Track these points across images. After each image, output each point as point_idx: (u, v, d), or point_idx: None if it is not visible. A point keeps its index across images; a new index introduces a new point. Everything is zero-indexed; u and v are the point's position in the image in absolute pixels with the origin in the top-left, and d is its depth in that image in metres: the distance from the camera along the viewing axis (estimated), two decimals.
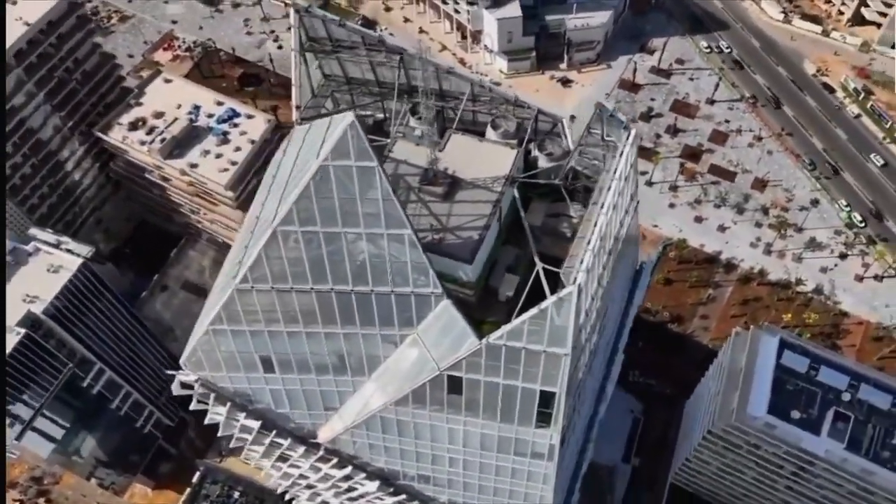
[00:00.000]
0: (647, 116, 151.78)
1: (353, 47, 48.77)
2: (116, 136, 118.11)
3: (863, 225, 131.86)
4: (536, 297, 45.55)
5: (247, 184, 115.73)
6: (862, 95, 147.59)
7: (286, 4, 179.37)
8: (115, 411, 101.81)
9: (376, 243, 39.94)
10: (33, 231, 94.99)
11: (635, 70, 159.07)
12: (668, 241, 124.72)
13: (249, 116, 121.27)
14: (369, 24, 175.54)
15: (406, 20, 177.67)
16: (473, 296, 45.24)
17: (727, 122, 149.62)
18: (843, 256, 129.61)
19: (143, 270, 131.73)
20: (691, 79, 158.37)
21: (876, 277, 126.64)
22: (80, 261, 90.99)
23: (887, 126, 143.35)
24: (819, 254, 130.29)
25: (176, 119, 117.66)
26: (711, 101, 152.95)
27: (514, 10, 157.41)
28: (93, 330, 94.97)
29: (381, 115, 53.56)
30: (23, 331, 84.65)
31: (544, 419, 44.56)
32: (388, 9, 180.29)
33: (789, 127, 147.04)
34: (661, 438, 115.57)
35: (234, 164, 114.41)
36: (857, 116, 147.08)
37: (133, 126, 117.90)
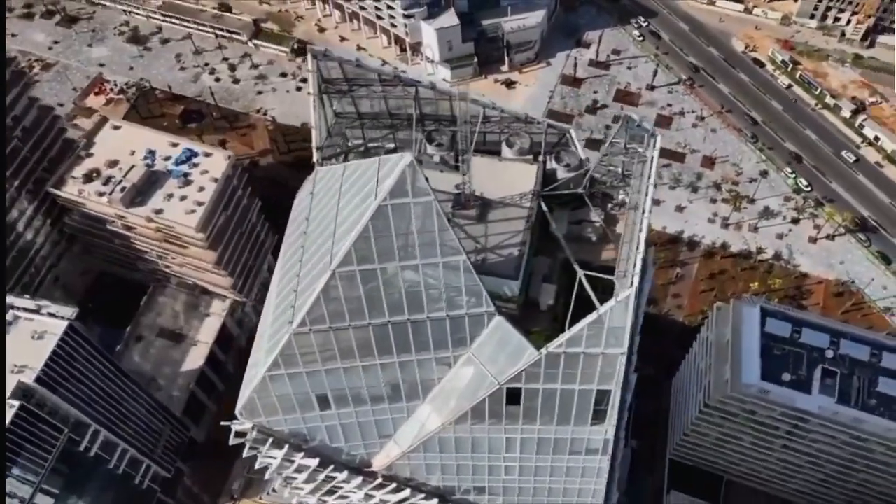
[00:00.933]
0: (593, 109, 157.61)
1: (368, 84, 50.72)
2: (71, 190, 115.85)
3: (809, 189, 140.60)
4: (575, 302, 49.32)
5: (215, 223, 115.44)
6: (790, 67, 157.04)
7: (217, 35, 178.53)
8: (111, 470, 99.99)
9: (432, 273, 42.08)
10: (10, 300, 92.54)
11: (575, 65, 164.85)
12: None
13: (207, 154, 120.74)
14: (304, 46, 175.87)
15: (342, 39, 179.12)
16: (516, 309, 47.77)
17: (669, 105, 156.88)
18: (795, 221, 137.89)
19: (110, 323, 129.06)
20: (629, 68, 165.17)
21: (828, 237, 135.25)
22: (65, 323, 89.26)
23: (817, 93, 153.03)
24: (773, 221, 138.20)
25: (133, 166, 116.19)
26: (652, 87, 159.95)
27: (450, 18, 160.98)
28: (84, 391, 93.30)
29: (391, 145, 55.58)
30: (17, 403, 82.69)
31: (599, 416, 47.57)
32: (321, 30, 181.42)
33: (728, 104, 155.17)
34: (653, 418, 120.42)
35: (200, 204, 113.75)
36: (789, 87, 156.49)
37: (88, 178, 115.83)
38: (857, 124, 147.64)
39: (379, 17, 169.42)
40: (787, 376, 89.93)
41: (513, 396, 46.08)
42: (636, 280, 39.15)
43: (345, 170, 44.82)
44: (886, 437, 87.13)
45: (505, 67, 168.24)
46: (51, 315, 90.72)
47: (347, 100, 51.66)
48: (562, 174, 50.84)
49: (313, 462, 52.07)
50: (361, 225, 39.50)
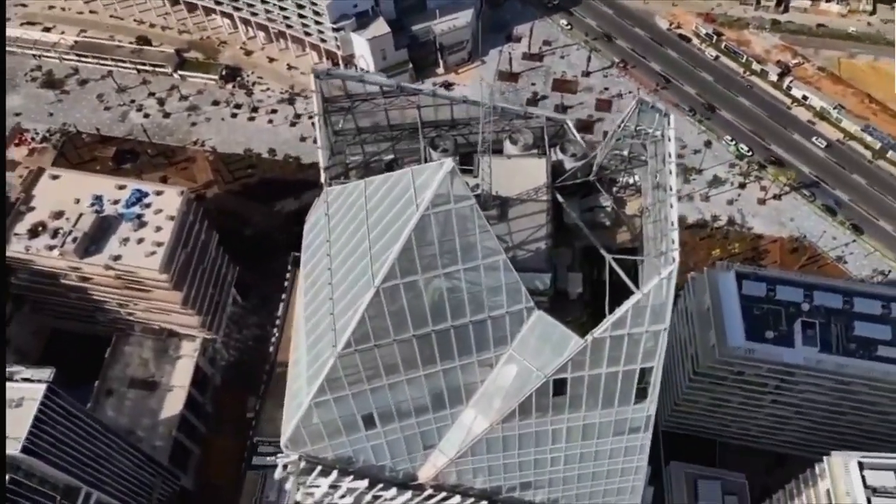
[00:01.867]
0: (534, 101, 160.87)
1: (370, 98, 50.98)
2: (17, 248, 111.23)
3: (750, 154, 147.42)
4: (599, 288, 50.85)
5: (177, 262, 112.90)
6: (715, 39, 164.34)
7: (139, 71, 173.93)
8: None
9: (473, 276, 42.79)
10: None
11: (510, 60, 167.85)
12: None
13: (159, 193, 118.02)
14: (233, 72, 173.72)
15: (271, 60, 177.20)
16: (547, 302, 48.92)
17: (606, 89, 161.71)
18: (742, 186, 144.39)
19: (73, 382, 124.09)
20: (562, 57, 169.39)
21: (775, 197, 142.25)
22: (43, 387, 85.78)
23: (744, 61, 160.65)
24: (722, 189, 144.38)
25: (81, 214, 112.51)
26: (587, 73, 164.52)
27: (381, 27, 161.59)
28: (71, 454, 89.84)
29: (389, 157, 55.95)
30: (7, 477, 79.01)
31: (642, 394, 49.23)
32: (248, 53, 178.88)
33: (662, 81, 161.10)
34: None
35: (159, 245, 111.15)
36: (716, 58, 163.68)
37: (33, 233, 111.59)
38: (784, 86, 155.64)
39: (307, 34, 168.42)
40: (770, 333, 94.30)
41: (559, 387, 47.15)
42: (677, 256, 40.90)
43: (367, 186, 44.98)
44: (868, 377, 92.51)
45: (441, 70, 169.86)
46: (26, 380, 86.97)
47: (347, 116, 51.75)
48: (569, 164, 52.32)
49: (363, 484, 51.94)
50: (404, 237, 39.82)
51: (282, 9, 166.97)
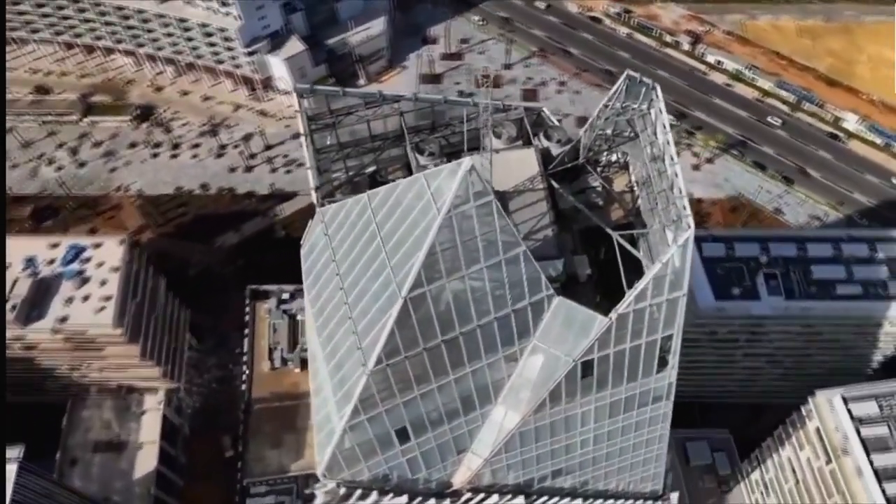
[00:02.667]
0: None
1: (353, 111, 50.66)
2: None
3: (678, 123, 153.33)
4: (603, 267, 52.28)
5: (130, 313, 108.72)
6: (625, 17, 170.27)
7: (43, 122, 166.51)
8: None
9: (496, 271, 43.21)
10: None
11: (430, 62, 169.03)
12: None
13: (97, 245, 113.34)
14: (146, 110, 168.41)
15: (184, 93, 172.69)
16: (560, 287, 49.80)
17: (530, 78, 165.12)
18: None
19: (31, 458, 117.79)
20: (481, 53, 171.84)
21: (708, 161, 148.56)
22: (15, 467, 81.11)
23: (655, 34, 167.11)
24: None
25: (16, 280, 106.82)
26: (508, 66, 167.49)
27: (296, 45, 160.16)
28: None
29: (371, 168, 55.74)
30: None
31: (663, 363, 50.83)
32: (158, 89, 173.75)
33: (582, 64, 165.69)
34: None
35: (108, 299, 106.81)
36: (629, 35, 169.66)
37: None
38: (698, 54, 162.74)
39: (219, 62, 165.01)
40: (736, 290, 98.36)
41: (586, 368, 48.12)
42: (691, 222, 42.54)
43: (371, 198, 44.75)
44: (832, 317, 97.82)
45: (362, 81, 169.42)
46: None
47: (329, 133, 51.32)
48: (556, 150, 53.47)
49: (402, 500, 51.48)
50: (428, 243, 39.88)
51: (188, 39, 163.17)
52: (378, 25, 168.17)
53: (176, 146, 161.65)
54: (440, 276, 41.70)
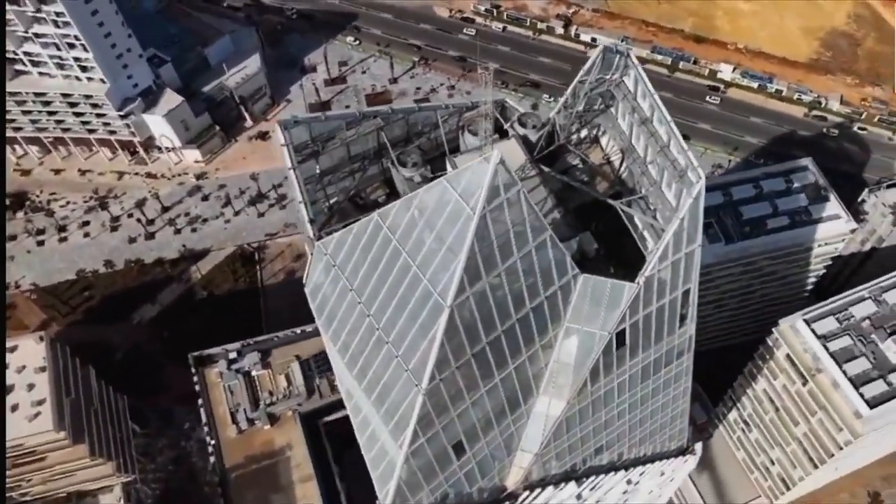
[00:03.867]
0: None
1: (333, 136, 49.65)
2: None
3: None
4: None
5: (69, 413, 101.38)
6: (495, 12, 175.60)
7: None
8: None
9: (528, 260, 43.60)
10: None
11: (315, 90, 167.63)
12: None
13: (12, 349, 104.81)
14: (18, 198, 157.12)
15: (57, 171, 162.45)
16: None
17: (419, 88, 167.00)
18: None
19: None
20: (363, 72, 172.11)
21: None
22: None
23: (528, 24, 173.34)
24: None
25: None
26: (395, 80, 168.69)
27: (173, 99, 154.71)
28: None
29: (352, 190, 54.95)
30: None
31: (684, 318, 52.91)
32: (25, 172, 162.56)
33: (466, 65, 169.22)
34: None
35: (40, 403, 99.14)
36: (504, 29, 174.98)
37: None
38: (573, 36, 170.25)
39: (91, 131, 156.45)
40: None
41: (620, 339, 49.39)
42: (701, 172, 44.74)
43: (384, 217, 44.03)
44: (768, 251, 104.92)
45: (249, 122, 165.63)
46: None
47: (313, 162, 50.16)
48: (533, 136, 54.67)
49: None
50: (467, 246, 39.74)
51: (51, 114, 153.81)
52: (253, 64, 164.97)
53: (62, 229, 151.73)
54: (480, 276, 41.67)
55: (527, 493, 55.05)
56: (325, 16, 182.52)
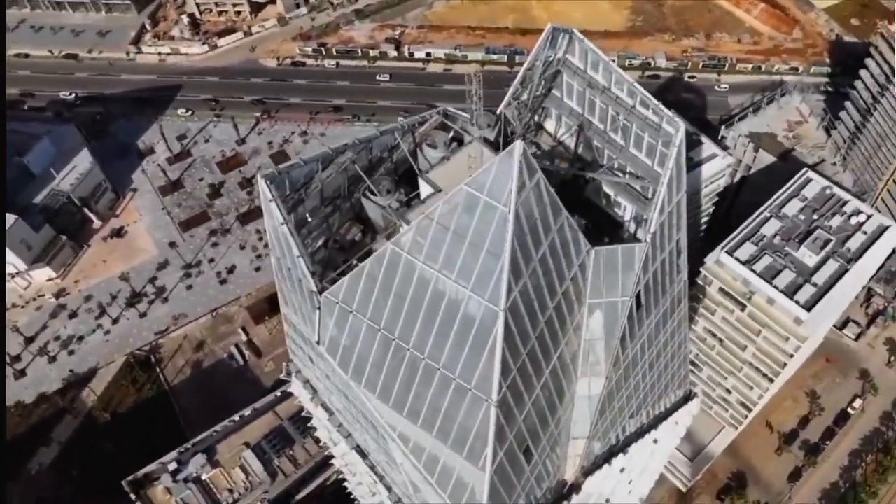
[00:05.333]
0: (217, 191, 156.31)
1: (310, 181, 47.66)
2: None
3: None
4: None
5: None
6: (323, 50, 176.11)
7: None
8: None
9: (553, 245, 44.24)
10: None
11: (162, 172, 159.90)
12: None
13: None
14: None
15: None
16: None
17: (271, 142, 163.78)
18: None
19: None
20: (207, 140, 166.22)
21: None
22: None
23: (360, 55, 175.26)
24: None
25: None
26: (243, 140, 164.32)
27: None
28: None
29: (332, 235, 53.27)
30: None
31: (681, 266, 55.65)
32: None
33: (311, 108, 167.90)
34: None
35: None
36: (337, 65, 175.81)
37: None
38: (407, 55, 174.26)
39: None
40: None
41: (638, 301, 51.18)
42: (678, 120, 47.58)
43: (401, 245, 43.01)
44: None
45: (97, 223, 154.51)
46: None
47: (298, 211, 48.11)
48: (491, 135, 55.48)
49: None
50: (508, 244, 39.62)
51: None
52: (82, 161, 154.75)
53: None
54: (521, 272, 41.71)
55: (585, 480, 55.39)
56: (147, 94, 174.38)
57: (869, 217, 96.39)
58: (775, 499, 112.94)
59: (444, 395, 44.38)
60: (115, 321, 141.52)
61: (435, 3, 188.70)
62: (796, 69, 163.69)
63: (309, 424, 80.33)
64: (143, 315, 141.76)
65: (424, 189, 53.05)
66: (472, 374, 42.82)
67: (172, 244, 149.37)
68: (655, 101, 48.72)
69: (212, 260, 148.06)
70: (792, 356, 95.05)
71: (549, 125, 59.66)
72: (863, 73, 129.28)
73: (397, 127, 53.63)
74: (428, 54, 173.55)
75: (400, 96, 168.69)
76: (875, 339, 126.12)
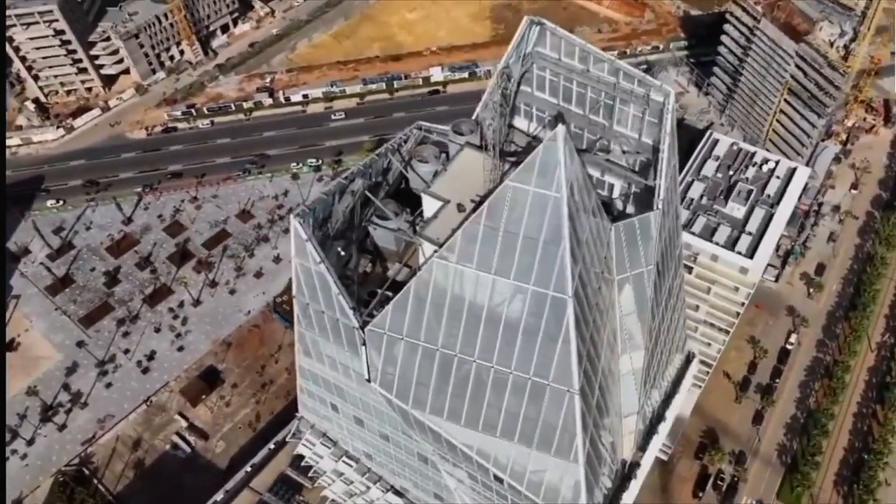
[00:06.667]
0: (112, 280, 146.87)
1: (330, 214, 45.96)
2: None
3: (319, 162, 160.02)
4: None
5: None
6: (194, 112, 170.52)
7: None
8: None
9: (592, 224, 45.26)
10: None
11: (47, 269, 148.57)
12: None
13: None
14: None
15: None
16: None
17: (160, 215, 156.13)
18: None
19: None
20: (88, 228, 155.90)
21: None
22: None
23: (234, 109, 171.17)
24: None
25: None
26: (129, 220, 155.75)
27: None
28: None
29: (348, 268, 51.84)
30: None
31: (679, 216, 58.33)
32: None
33: (193, 174, 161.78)
34: None
35: None
36: (212, 123, 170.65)
37: None
38: (284, 101, 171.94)
39: None
40: None
41: (657, 269, 53.14)
42: (666, 87, 50.01)
43: (447, 257, 42.57)
44: None
45: None
46: None
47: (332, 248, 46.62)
48: (476, 140, 56.14)
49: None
50: (566, 230, 40.21)
51: None
52: None
53: None
54: (577, 257, 42.38)
55: (642, 455, 56.43)
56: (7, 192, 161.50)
57: (777, 162, 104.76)
58: (747, 444, 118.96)
59: (520, 399, 44.19)
60: (30, 442, 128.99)
61: (297, 45, 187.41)
62: (658, 48, 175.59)
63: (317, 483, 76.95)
64: (62, 427, 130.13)
65: (429, 204, 52.65)
66: (548, 369, 42.93)
67: (80, 343, 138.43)
68: (640, 73, 51.00)
69: (127, 351, 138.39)
70: (743, 304, 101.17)
71: (521, 123, 60.88)
72: (724, 38, 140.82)
73: (390, 149, 53.12)
74: (305, 96, 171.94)
75: (286, 142, 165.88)
76: (791, 277, 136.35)
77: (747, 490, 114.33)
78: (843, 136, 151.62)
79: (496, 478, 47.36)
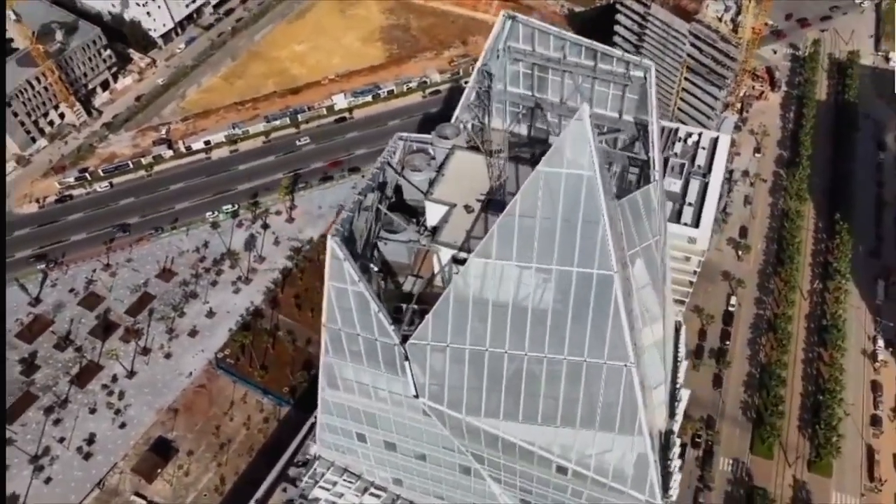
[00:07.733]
0: (30, 368, 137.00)
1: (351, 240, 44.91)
2: None
3: (235, 207, 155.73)
4: None
5: None
6: (88, 176, 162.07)
7: None
8: None
9: (615, 199, 46.39)
10: None
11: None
12: None
13: None
14: None
15: None
16: None
17: (72, 290, 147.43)
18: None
19: None
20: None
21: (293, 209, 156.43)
22: None
23: (133, 167, 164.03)
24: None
25: None
26: (37, 300, 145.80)
27: None
28: None
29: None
30: None
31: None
32: None
33: (100, 240, 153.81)
34: None
35: None
36: (111, 185, 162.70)
37: None
38: (185, 150, 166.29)
39: None
40: None
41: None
42: (645, 61, 52.05)
43: (485, 255, 42.66)
44: None
45: None
46: None
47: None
48: (463, 141, 56.58)
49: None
50: (603, 206, 41.15)
51: None
52: None
53: None
54: (614, 234, 43.48)
55: (674, 424, 57.90)
56: None
57: (700, 134, 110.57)
58: (713, 408, 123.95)
59: (576, 384, 44.70)
60: None
61: (187, 92, 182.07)
62: None
63: None
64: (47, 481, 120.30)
65: (433, 211, 52.59)
66: (602, 349, 43.70)
67: (8, 441, 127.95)
68: (618, 52, 52.96)
69: (62, 439, 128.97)
70: (695, 272, 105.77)
71: (495, 122, 61.80)
72: (617, 28, 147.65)
73: (382, 163, 52.71)
74: (207, 142, 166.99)
75: (197, 192, 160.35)
76: (720, 243, 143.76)
77: (722, 451, 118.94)
78: (738, 106, 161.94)
79: (559, 469, 47.43)
